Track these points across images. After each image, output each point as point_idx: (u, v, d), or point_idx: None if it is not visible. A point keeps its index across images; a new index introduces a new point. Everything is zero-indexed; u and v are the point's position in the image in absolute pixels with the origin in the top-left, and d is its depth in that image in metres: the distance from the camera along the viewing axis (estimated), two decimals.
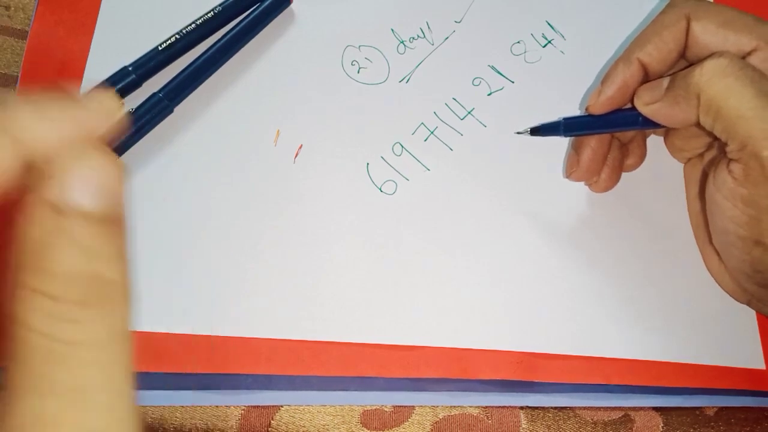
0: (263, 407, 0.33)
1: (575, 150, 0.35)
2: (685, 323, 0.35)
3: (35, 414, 0.14)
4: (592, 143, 0.34)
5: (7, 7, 0.39)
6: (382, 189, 0.36)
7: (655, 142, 0.37)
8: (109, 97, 0.17)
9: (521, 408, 0.34)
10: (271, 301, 0.33)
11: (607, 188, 0.36)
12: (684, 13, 0.32)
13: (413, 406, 0.33)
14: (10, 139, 0.15)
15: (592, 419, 0.34)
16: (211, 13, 0.38)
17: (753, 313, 0.35)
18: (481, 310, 0.34)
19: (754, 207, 0.29)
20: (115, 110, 0.17)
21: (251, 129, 0.37)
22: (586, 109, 0.34)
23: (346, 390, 0.33)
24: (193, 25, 0.37)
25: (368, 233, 0.35)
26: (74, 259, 0.15)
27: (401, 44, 0.39)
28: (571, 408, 0.34)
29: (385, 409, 0.33)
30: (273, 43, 0.39)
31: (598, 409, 0.34)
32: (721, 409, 0.35)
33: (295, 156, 0.36)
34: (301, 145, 0.36)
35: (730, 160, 0.30)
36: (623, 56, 0.33)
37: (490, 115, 0.38)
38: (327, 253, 0.34)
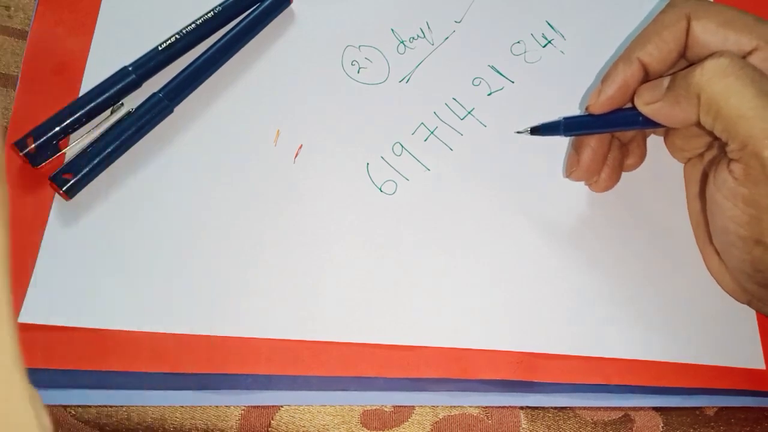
0: (263, 407, 0.33)
1: (575, 150, 0.35)
2: (685, 323, 0.35)
3: None
4: (592, 143, 0.34)
5: (7, 7, 0.39)
6: (382, 189, 0.36)
7: (655, 142, 0.37)
8: None
9: (521, 408, 0.34)
10: (271, 301, 0.33)
11: (607, 188, 0.36)
12: (684, 13, 0.32)
13: (413, 406, 0.33)
14: None
15: (592, 419, 0.34)
16: (211, 13, 0.38)
17: (753, 313, 0.35)
18: (481, 310, 0.34)
19: (754, 207, 0.29)
20: None
21: (251, 129, 0.36)
22: (586, 109, 0.34)
23: (346, 390, 0.33)
24: (193, 25, 0.37)
25: (368, 233, 0.35)
26: None
27: (401, 44, 0.39)
28: (571, 408, 0.34)
29: (385, 409, 0.33)
30: (273, 43, 0.39)
31: (598, 409, 0.34)
32: (721, 409, 0.35)
33: (295, 156, 0.36)
34: (301, 145, 0.36)
35: (731, 159, 0.30)
36: (623, 56, 0.33)
37: (490, 115, 0.38)
38: (327, 253, 0.34)
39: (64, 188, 0.33)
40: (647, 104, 0.32)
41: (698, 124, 0.31)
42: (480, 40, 0.40)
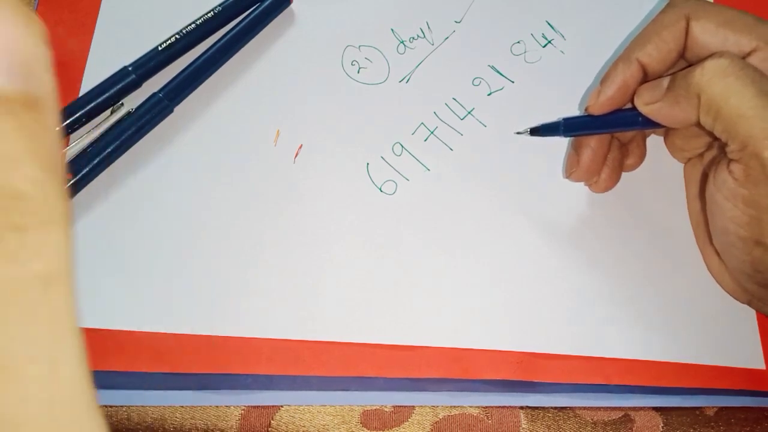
0: (263, 407, 0.33)
1: (575, 150, 0.35)
2: (685, 323, 0.35)
3: None
4: (592, 143, 0.34)
5: None
6: (382, 189, 0.36)
7: (655, 142, 0.37)
8: None
9: (521, 408, 0.34)
10: (271, 301, 0.33)
11: (607, 188, 0.36)
12: (684, 13, 0.32)
13: (413, 406, 0.33)
14: None
15: (592, 419, 0.34)
16: (211, 13, 0.38)
17: (753, 313, 0.35)
18: (481, 310, 0.34)
19: (754, 207, 0.29)
20: None
21: (251, 129, 0.36)
22: (586, 109, 0.34)
23: (347, 390, 0.33)
24: (193, 25, 0.37)
25: (368, 233, 0.35)
26: None
27: (401, 44, 0.39)
28: (571, 408, 0.34)
29: (385, 409, 0.33)
30: (273, 43, 0.39)
31: (598, 409, 0.34)
32: (721, 409, 0.35)
33: (295, 156, 0.36)
34: (301, 145, 0.36)
35: (731, 160, 0.30)
36: (623, 56, 0.33)
37: (490, 115, 0.38)
38: (327, 253, 0.34)
39: None
40: (647, 104, 0.32)
41: (698, 125, 0.31)
42: (480, 40, 0.40)
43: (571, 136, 0.35)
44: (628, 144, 0.36)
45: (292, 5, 0.39)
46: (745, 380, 0.34)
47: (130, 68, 0.36)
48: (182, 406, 0.32)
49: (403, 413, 0.33)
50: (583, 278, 0.35)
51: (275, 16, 0.39)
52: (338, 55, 0.39)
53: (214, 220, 0.34)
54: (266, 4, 0.38)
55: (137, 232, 0.34)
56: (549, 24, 0.40)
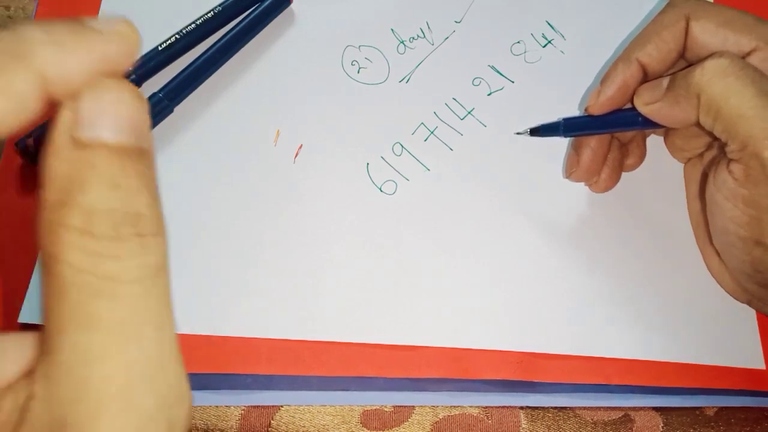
0: (263, 407, 0.33)
1: (575, 150, 0.35)
2: (685, 323, 0.35)
3: (82, 348, 0.14)
4: (592, 143, 0.34)
5: (7, 7, 0.39)
6: (382, 189, 0.36)
7: (655, 142, 0.37)
8: (125, 23, 0.16)
9: (521, 408, 0.34)
10: (271, 301, 0.33)
11: (607, 188, 0.36)
12: (683, 13, 0.32)
13: (413, 406, 0.33)
14: (33, 74, 0.14)
15: (592, 419, 0.34)
16: (211, 13, 0.38)
17: (753, 313, 0.35)
18: (481, 310, 0.34)
19: (754, 207, 0.29)
20: (132, 36, 0.17)
21: (251, 129, 0.37)
22: (586, 110, 0.34)
23: (346, 390, 0.33)
24: (193, 25, 0.37)
25: (368, 233, 0.35)
26: (104, 194, 0.14)
27: (401, 44, 0.39)
28: (571, 408, 0.34)
29: (385, 409, 0.33)
30: (273, 43, 0.39)
31: (598, 409, 0.34)
32: (721, 409, 0.35)
33: (295, 156, 0.36)
34: (301, 145, 0.36)
35: (731, 160, 0.30)
36: (623, 56, 0.33)
37: (490, 115, 0.38)
38: (327, 253, 0.34)
39: None
40: (647, 104, 0.32)
41: (698, 125, 0.31)
42: (480, 40, 0.40)
43: (571, 136, 0.35)
44: (628, 144, 0.36)
45: (292, 5, 0.39)
46: (745, 380, 0.34)
47: (130, 68, 0.36)
48: None
49: (403, 413, 0.33)
50: (583, 278, 0.35)
51: (275, 16, 0.39)
52: (338, 55, 0.39)
53: (214, 220, 0.34)
54: (266, 4, 0.38)
55: None
56: (549, 24, 0.40)
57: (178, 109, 0.36)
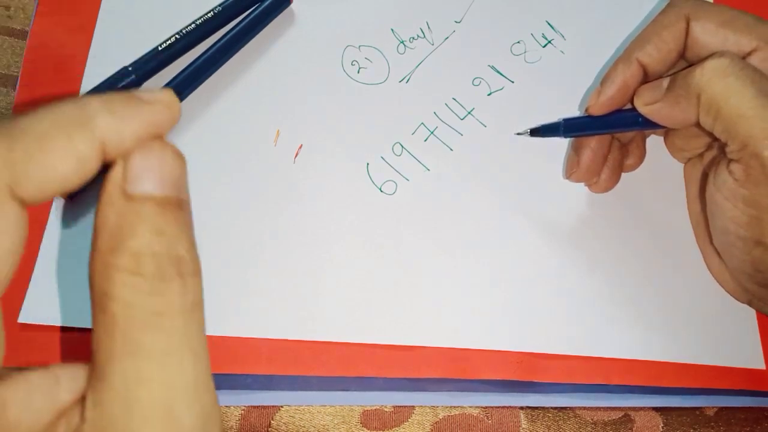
0: (263, 407, 0.33)
1: (575, 151, 0.35)
2: (685, 323, 0.35)
3: (131, 374, 0.16)
4: (592, 144, 0.34)
5: (7, 7, 0.39)
6: (382, 189, 0.36)
7: (655, 142, 0.37)
8: (168, 94, 0.19)
9: (521, 408, 0.34)
10: (271, 301, 0.33)
11: (607, 189, 0.36)
12: (684, 13, 0.32)
13: (413, 406, 0.33)
14: (94, 139, 0.17)
15: (592, 419, 0.34)
16: (211, 13, 0.38)
17: (753, 313, 0.35)
18: (481, 310, 0.34)
19: (754, 207, 0.29)
20: (174, 106, 0.19)
21: (251, 129, 0.37)
22: (586, 110, 0.34)
23: (346, 390, 0.33)
24: (193, 25, 0.37)
25: (368, 233, 0.35)
26: (150, 239, 0.16)
27: (401, 44, 0.39)
28: (571, 408, 0.34)
29: (385, 409, 0.33)
30: (273, 43, 0.39)
31: (598, 409, 0.34)
32: (721, 409, 0.35)
33: (295, 156, 0.36)
34: (301, 145, 0.36)
35: (731, 160, 0.30)
36: (623, 56, 0.33)
37: (490, 115, 0.38)
38: (327, 253, 0.34)
39: None
40: (647, 105, 0.32)
41: (698, 125, 0.31)
42: (480, 40, 0.40)
43: (571, 136, 0.35)
44: (628, 144, 0.36)
45: (292, 5, 0.39)
46: (745, 380, 0.34)
47: (130, 68, 0.36)
48: None
49: (403, 413, 0.33)
50: (583, 278, 0.35)
51: (275, 16, 0.39)
52: (338, 55, 0.39)
53: (214, 220, 0.34)
54: (266, 4, 0.38)
55: None
56: (549, 24, 0.40)
57: None
